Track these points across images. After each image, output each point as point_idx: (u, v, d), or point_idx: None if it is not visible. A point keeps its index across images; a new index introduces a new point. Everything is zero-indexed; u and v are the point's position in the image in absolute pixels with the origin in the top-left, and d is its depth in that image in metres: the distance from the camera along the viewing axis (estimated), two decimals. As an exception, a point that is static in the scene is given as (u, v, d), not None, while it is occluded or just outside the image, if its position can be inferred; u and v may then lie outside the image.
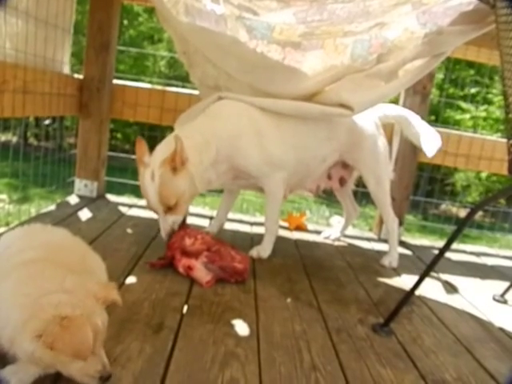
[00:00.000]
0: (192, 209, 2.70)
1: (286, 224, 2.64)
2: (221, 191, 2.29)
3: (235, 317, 1.39)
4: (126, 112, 2.67)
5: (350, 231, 2.65)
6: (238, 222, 2.58)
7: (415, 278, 1.45)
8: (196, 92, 2.39)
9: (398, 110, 2.31)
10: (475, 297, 1.94)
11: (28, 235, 1.19)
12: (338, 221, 2.75)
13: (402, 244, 2.54)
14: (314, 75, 1.96)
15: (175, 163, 1.66)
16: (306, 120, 1.99)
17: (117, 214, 2.36)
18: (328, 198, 4.66)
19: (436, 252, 1.44)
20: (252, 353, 1.20)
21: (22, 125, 5.24)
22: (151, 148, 1.79)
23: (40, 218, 2.12)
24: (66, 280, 0.94)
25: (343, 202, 2.49)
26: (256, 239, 2.17)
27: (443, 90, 6.74)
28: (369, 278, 1.96)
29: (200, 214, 2.63)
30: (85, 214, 2.28)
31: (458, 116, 7.06)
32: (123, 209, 2.49)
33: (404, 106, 2.55)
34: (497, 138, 3.57)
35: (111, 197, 2.72)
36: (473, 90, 7.22)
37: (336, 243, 2.46)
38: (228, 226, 2.36)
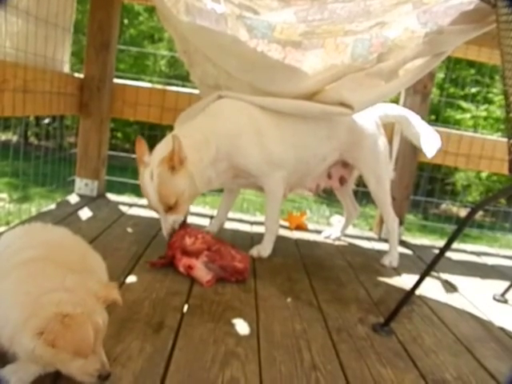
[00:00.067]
0: (192, 208, 2.70)
1: (286, 223, 2.63)
2: (221, 191, 2.29)
3: (235, 316, 1.40)
4: (127, 111, 2.67)
5: (351, 231, 2.65)
6: (239, 222, 2.58)
7: (415, 278, 1.45)
8: (196, 91, 2.39)
9: (398, 110, 2.31)
10: (475, 296, 1.94)
11: (28, 234, 1.19)
12: (338, 220, 2.74)
13: (403, 243, 2.54)
14: (314, 74, 1.96)
15: (173, 162, 1.66)
16: (306, 119, 1.99)
17: (117, 213, 2.36)
18: (328, 197, 4.66)
19: (436, 251, 1.44)
20: (252, 352, 1.20)
21: (22, 124, 5.24)
22: (152, 147, 1.79)
23: (40, 217, 2.12)
24: (67, 279, 0.94)
25: (343, 202, 2.49)
26: (256, 238, 2.17)
27: (444, 90, 6.73)
28: (369, 277, 1.96)
29: (200, 214, 2.63)
30: (85, 213, 2.28)
31: (459, 115, 7.05)
32: (123, 208, 2.49)
33: (404, 105, 2.55)
34: (497, 137, 3.57)
35: (111, 196, 2.72)
36: (473, 90, 7.22)
37: (336, 243, 2.46)
38: (228, 225, 2.36)
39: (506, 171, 1.57)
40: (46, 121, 5.76)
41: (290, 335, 1.33)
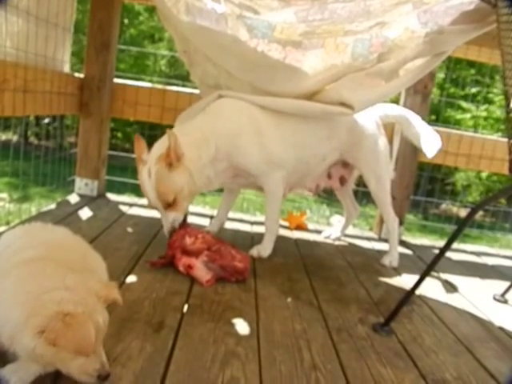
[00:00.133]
0: (192, 208, 2.70)
1: (286, 223, 2.64)
2: (221, 190, 2.29)
3: (235, 316, 1.40)
4: (127, 111, 2.67)
5: (351, 230, 2.65)
6: (239, 222, 2.58)
7: (415, 278, 1.45)
8: (196, 91, 2.39)
9: (398, 110, 2.31)
10: (475, 296, 1.94)
11: (28, 234, 1.19)
12: (338, 220, 2.74)
13: (403, 243, 2.54)
14: (314, 74, 1.95)
15: (170, 159, 1.66)
16: (306, 119, 1.99)
17: (117, 213, 2.36)
18: (328, 197, 4.66)
19: (436, 251, 1.44)
20: (252, 352, 1.20)
21: (22, 124, 5.24)
22: (152, 147, 1.79)
23: (40, 216, 2.12)
24: (68, 278, 0.94)
25: (343, 202, 2.49)
26: (256, 238, 2.17)
27: (444, 90, 6.73)
28: (369, 277, 1.96)
29: (200, 214, 2.63)
30: (85, 213, 2.28)
31: (459, 115, 7.05)
32: (124, 208, 2.49)
33: (405, 105, 2.55)
34: (497, 137, 3.56)
35: (112, 196, 2.72)
36: (473, 90, 7.21)
37: (336, 242, 2.46)
38: (228, 225, 2.36)
39: (506, 171, 1.58)
40: (46, 120, 5.76)
41: (290, 335, 1.33)
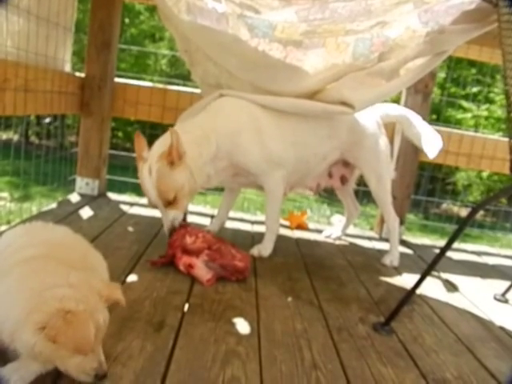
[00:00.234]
0: (193, 207, 2.70)
1: (287, 223, 2.64)
2: (222, 190, 2.29)
3: (236, 315, 1.40)
4: (128, 110, 2.67)
5: (351, 230, 2.65)
6: (239, 221, 2.58)
7: (416, 277, 1.45)
8: (197, 90, 2.39)
9: (399, 110, 2.31)
10: (476, 296, 1.93)
11: (29, 233, 1.19)
12: (339, 220, 2.75)
13: (403, 243, 2.54)
14: (315, 74, 1.95)
15: (172, 157, 1.66)
16: (306, 118, 1.99)
17: (118, 213, 2.36)
18: (329, 196, 4.66)
19: (437, 251, 1.44)
20: (253, 351, 1.20)
21: (23, 123, 5.24)
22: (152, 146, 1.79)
23: (41, 216, 2.12)
24: (71, 275, 0.95)
25: (344, 201, 2.49)
26: (257, 238, 2.17)
27: (445, 89, 6.73)
28: (370, 276, 1.96)
29: (201, 213, 2.63)
30: (86, 213, 2.28)
31: (460, 115, 7.04)
32: (124, 207, 2.50)
33: (405, 104, 2.54)
34: (498, 137, 3.56)
35: (112, 195, 2.72)
36: (474, 89, 7.20)
37: (337, 242, 2.46)
38: (229, 224, 2.36)
39: (507, 171, 1.57)
40: (47, 120, 5.77)
41: (290, 334, 1.33)
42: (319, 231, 2.61)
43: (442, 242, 2.32)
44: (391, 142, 2.40)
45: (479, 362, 1.35)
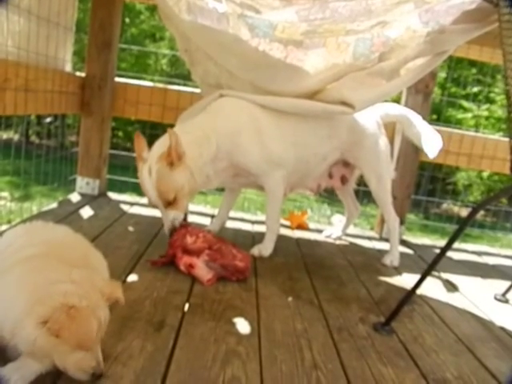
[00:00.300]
0: (193, 207, 2.70)
1: (287, 223, 2.64)
2: (222, 190, 2.29)
3: (236, 315, 1.40)
4: (128, 110, 2.67)
5: (352, 230, 2.65)
6: (240, 221, 2.58)
7: (416, 277, 1.45)
8: (198, 90, 2.39)
9: (399, 110, 2.31)
10: (476, 296, 1.93)
11: (30, 233, 1.19)
12: (339, 219, 2.75)
13: (404, 243, 2.54)
14: (315, 73, 1.95)
15: (171, 158, 1.66)
16: (306, 118, 1.99)
17: (118, 212, 2.36)
18: (329, 196, 4.66)
19: (437, 251, 1.44)
20: (253, 351, 1.20)
21: (23, 123, 5.24)
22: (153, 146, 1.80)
23: (42, 215, 2.13)
24: (74, 272, 0.95)
25: (345, 201, 2.49)
26: (257, 238, 2.17)
27: (445, 89, 6.72)
28: (370, 276, 1.96)
29: (201, 213, 2.63)
30: (86, 212, 2.29)
31: (460, 115, 7.03)
32: (125, 207, 2.50)
33: (406, 104, 2.54)
34: (499, 137, 3.56)
35: (113, 195, 2.72)
36: (475, 89, 7.19)
37: (337, 242, 2.46)
38: (229, 224, 2.37)
39: (507, 171, 1.57)
40: (48, 120, 5.77)
41: (290, 334, 1.33)
42: (319, 231, 2.61)
43: (442, 242, 2.31)
44: (391, 141, 2.39)
45: (479, 362, 1.35)
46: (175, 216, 1.73)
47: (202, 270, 1.62)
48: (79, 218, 2.18)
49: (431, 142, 2.16)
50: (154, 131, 3.09)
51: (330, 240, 2.48)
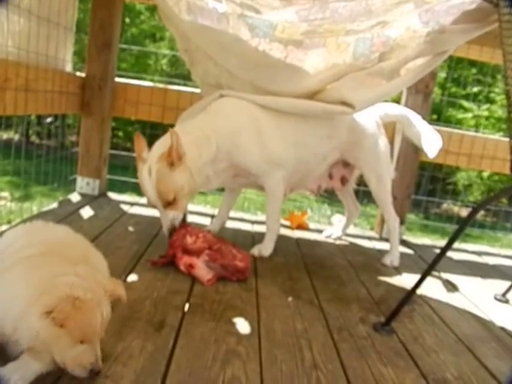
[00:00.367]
0: (193, 207, 2.70)
1: (287, 223, 2.64)
2: (222, 190, 2.29)
3: (236, 315, 1.40)
4: (128, 110, 2.67)
5: (352, 230, 2.65)
6: (240, 221, 2.58)
7: (416, 277, 1.45)
8: (198, 90, 2.39)
9: (399, 109, 2.31)
10: (476, 296, 1.93)
11: (30, 233, 1.19)
12: (339, 219, 2.74)
13: (404, 243, 2.54)
14: (315, 73, 1.95)
15: (172, 158, 1.66)
16: (306, 118, 1.99)
17: (118, 212, 2.36)
18: (329, 196, 4.66)
19: (437, 251, 1.44)
20: (253, 351, 1.20)
21: (24, 123, 5.25)
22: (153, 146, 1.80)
23: (42, 215, 2.13)
24: (78, 267, 0.97)
25: (344, 201, 2.49)
26: (257, 238, 2.17)
27: (445, 89, 6.71)
28: (370, 276, 1.96)
29: (201, 213, 2.63)
30: (87, 212, 2.29)
31: (460, 115, 7.03)
32: (125, 207, 2.50)
33: (406, 104, 2.54)
34: (499, 137, 3.56)
35: (113, 195, 2.72)
36: (475, 89, 7.19)
37: (337, 242, 2.46)
38: (229, 224, 2.37)
39: (507, 171, 1.57)
40: (49, 120, 5.77)
41: (291, 334, 1.33)
42: (320, 231, 2.61)
43: (442, 242, 2.31)
44: (391, 141, 2.39)
45: (479, 362, 1.35)
46: (174, 216, 1.73)
47: (202, 270, 1.62)
48: (79, 218, 2.19)
49: (431, 141, 2.16)
50: (154, 131, 3.10)
51: (330, 240, 2.48)
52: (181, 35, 2.10)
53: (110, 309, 0.97)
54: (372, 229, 2.90)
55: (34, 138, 6.86)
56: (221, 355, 1.16)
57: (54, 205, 2.34)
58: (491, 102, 7.09)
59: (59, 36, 2.26)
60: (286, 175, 1.99)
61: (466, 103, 7.02)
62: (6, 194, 3.91)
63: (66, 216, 2.15)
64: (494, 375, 1.29)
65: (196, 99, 2.26)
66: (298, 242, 2.36)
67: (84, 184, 2.63)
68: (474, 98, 7.18)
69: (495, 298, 1.95)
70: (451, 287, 2.02)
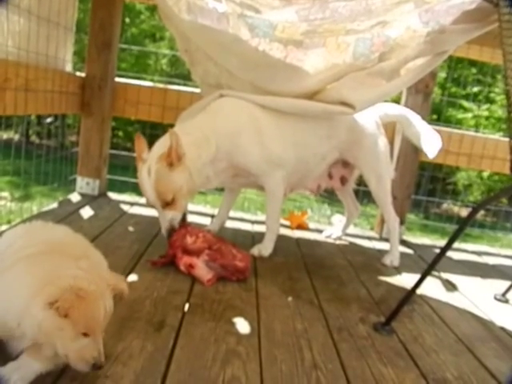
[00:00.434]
0: (193, 207, 2.70)
1: (287, 222, 2.64)
2: (222, 190, 2.29)
3: (236, 315, 1.40)
4: (128, 110, 2.67)
5: (352, 230, 2.65)
6: (240, 221, 2.58)
7: (416, 277, 1.45)
8: (198, 90, 2.39)
9: (398, 109, 2.31)
10: (476, 296, 1.93)
11: (29, 233, 1.19)
12: (339, 219, 2.74)
13: (404, 243, 2.54)
14: (315, 73, 1.95)
15: (171, 158, 1.67)
16: (306, 118, 1.99)
17: (118, 212, 2.36)
18: (329, 196, 4.66)
19: (437, 251, 1.44)
20: (253, 351, 1.20)
21: (23, 123, 5.24)
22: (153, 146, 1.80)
23: (42, 215, 2.13)
24: (81, 261, 0.97)
25: (344, 201, 2.49)
26: (257, 237, 2.17)
27: (445, 89, 6.71)
28: (370, 276, 1.96)
29: (201, 213, 2.63)
30: (86, 212, 2.29)
31: (460, 115, 7.03)
32: (125, 207, 2.50)
33: (406, 104, 2.54)
34: (499, 137, 3.56)
35: (113, 195, 2.72)
36: (475, 89, 7.19)
37: (337, 242, 2.46)
38: (229, 224, 2.36)
39: (507, 171, 1.57)
40: (48, 120, 5.77)
41: (290, 334, 1.33)
42: (319, 231, 2.61)
43: (442, 242, 2.31)
44: (392, 141, 2.39)
45: (479, 362, 1.35)
46: (173, 216, 1.74)
47: (202, 270, 1.62)
48: (79, 218, 2.19)
49: (430, 142, 2.16)
50: (154, 131, 3.10)
51: (330, 240, 2.48)
52: (181, 35, 2.10)
53: (112, 303, 0.97)
54: (372, 229, 2.90)
55: (34, 138, 6.86)
56: (221, 355, 1.16)
57: (54, 205, 2.34)
58: (491, 101, 7.09)
59: (59, 36, 2.26)
60: (286, 175, 1.99)
61: (465, 103, 7.02)
62: (5, 193, 3.91)
63: (66, 216, 2.15)
64: (494, 375, 1.29)
65: (196, 99, 2.26)
66: (298, 241, 2.36)
67: (84, 184, 2.63)
68: (473, 97, 7.18)
69: (495, 298, 1.95)
70: (451, 287, 2.02)
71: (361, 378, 1.17)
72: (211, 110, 1.92)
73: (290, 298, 1.60)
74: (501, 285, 2.06)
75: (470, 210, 1.50)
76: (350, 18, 1.84)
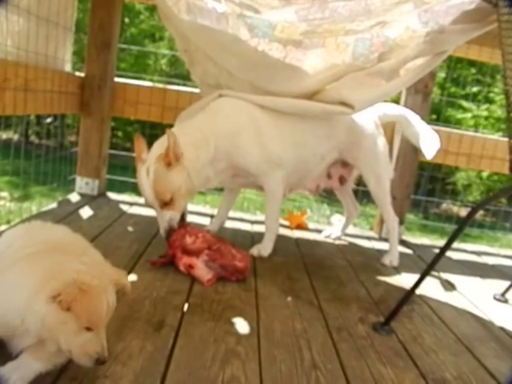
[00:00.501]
0: (193, 207, 2.70)
1: (286, 223, 2.64)
2: (221, 190, 2.29)
3: (236, 315, 1.40)
4: (127, 110, 2.67)
5: (351, 230, 2.65)
6: (239, 221, 2.58)
7: (416, 277, 1.45)
8: (197, 90, 2.39)
9: (397, 110, 2.31)
10: (476, 296, 1.94)
11: (29, 233, 1.19)
12: (338, 219, 2.74)
13: (403, 243, 2.54)
14: (315, 74, 1.95)
15: (169, 158, 1.67)
16: (305, 118, 1.99)
17: (118, 212, 2.36)
18: (329, 196, 4.66)
19: (437, 251, 1.44)
20: (252, 351, 1.20)
21: (23, 123, 5.24)
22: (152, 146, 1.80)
23: (41, 215, 2.12)
24: (83, 257, 0.98)
25: (344, 201, 2.49)
26: (257, 238, 2.17)
27: (445, 89, 6.72)
28: (369, 276, 1.96)
29: (201, 213, 2.63)
30: (86, 212, 2.28)
31: (460, 115, 7.03)
32: (124, 207, 2.50)
33: (405, 104, 2.54)
34: (498, 137, 3.56)
35: (112, 195, 2.72)
36: (474, 89, 7.19)
37: (337, 242, 2.46)
38: (229, 224, 2.36)
39: (506, 171, 1.58)
40: (48, 120, 5.76)
41: (290, 334, 1.33)
42: (319, 231, 2.61)
43: (441, 242, 2.31)
44: (391, 141, 2.39)
45: (479, 362, 1.35)
46: (171, 216, 1.74)
47: (202, 270, 1.62)
48: (79, 218, 2.18)
49: (429, 142, 2.17)
50: (153, 131, 3.10)
51: (329, 240, 2.48)
52: (180, 35, 2.10)
53: (115, 298, 0.97)
54: (371, 229, 2.90)
55: (33, 138, 6.86)
56: (220, 355, 1.16)
57: (54, 205, 2.34)
58: (490, 101, 7.10)
59: (58, 36, 2.26)
60: (285, 175, 1.99)
61: (465, 103, 7.03)
62: (5, 194, 3.91)
63: (66, 216, 2.15)
64: (494, 375, 1.29)
65: (195, 99, 2.26)
66: (298, 241, 2.36)
67: (83, 184, 2.63)
68: (473, 97, 7.18)
69: (494, 298, 1.95)
70: (450, 287, 2.02)
71: (360, 377, 1.17)
72: (210, 110, 1.92)
73: (289, 298, 1.60)
74: (500, 285, 2.06)
75: (469, 209, 1.50)
76: (349, 18, 1.84)
